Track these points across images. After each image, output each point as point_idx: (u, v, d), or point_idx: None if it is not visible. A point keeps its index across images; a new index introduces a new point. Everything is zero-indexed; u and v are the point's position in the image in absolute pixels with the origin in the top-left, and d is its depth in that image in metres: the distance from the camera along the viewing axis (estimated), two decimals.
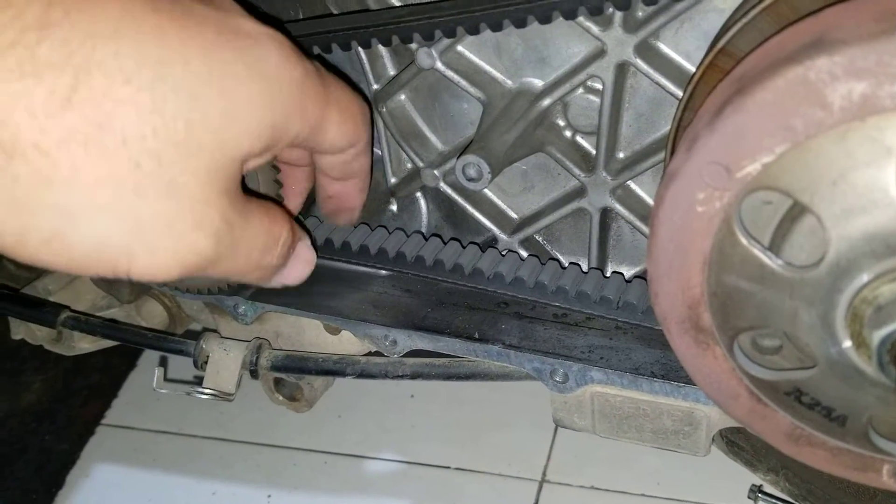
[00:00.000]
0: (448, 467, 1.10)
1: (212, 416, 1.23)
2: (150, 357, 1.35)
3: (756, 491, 0.97)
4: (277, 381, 0.84)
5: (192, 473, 1.17)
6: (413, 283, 0.72)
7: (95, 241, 0.35)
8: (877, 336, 0.39)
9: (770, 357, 0.46)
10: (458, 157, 0.61)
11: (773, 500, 0.95)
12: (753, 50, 0.45)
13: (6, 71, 0.32)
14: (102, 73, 0.34)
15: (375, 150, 0.78)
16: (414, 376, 0.73)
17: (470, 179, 0.61)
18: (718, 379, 0.47)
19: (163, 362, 0.77)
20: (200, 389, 0.70)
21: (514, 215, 0.73)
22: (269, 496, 1.11)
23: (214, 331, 0.79)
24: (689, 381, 0.59)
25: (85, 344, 0.93)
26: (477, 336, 0.67)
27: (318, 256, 0.72)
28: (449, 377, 0.72)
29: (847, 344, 0.41)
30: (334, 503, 1.09)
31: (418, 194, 0.77)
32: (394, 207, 0.79)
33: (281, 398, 0.85)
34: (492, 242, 0.73)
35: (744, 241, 0.43)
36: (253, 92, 0.39)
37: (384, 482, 1.11)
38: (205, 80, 0.36)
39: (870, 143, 0.38)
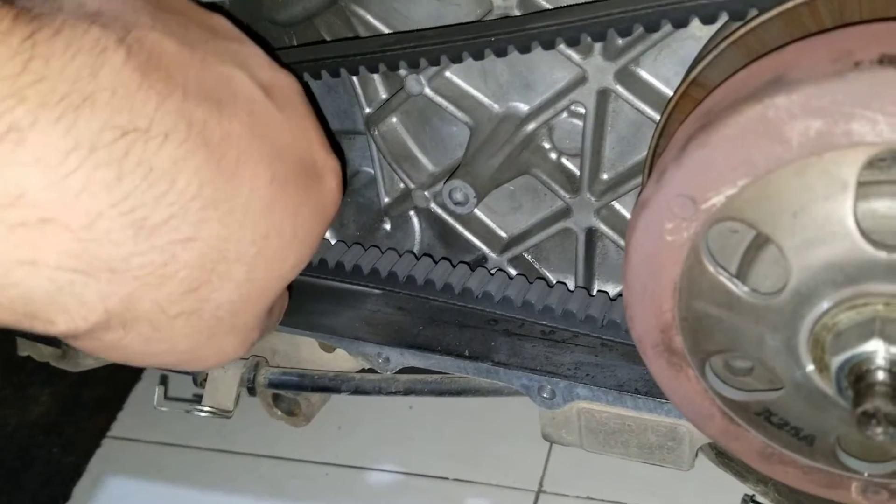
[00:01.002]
0: (446, 478, 1.12)
1: (215, 430, 1.25)
2: (154, 371, 1.38)
3: (749, 500, 0.98)
4: (276, 397, 0.86)
5: (196, 485, 1.19)
6: (405, 302, 0.74)
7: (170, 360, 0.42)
8: (835, 361, 0.40)
9: (742, 378, 0.48)
10: (444, 182, 0.63)
11: None
12: (719, 85, 0.47)
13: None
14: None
15: (368, 170, 0.80)
16: (407, 392, 0.75)
17: (457, 203, 0.63)
18: (692, 399, 0.48)
19: (163, 381, 0.79)
20: (200, 407, 0.72)
21: (503, 234, 0.75)
22: None
23: None
24: None
25: (90, 360, 0.96)
26: (467, 353, 0.68)
27: (314, 276, 0.74)
28: (441, 393, 0.74)
29: (810, 368, 0.43)
30: None
31: (411, 213, 0.79)
32: (387, 226, 0.80)
33: (279, 413, 0.87)
34: (482, 261, 0.75)
35: (711, 268, 0.44)
36: (314, 230, 0.43)
37: (384, 493, 1.13)
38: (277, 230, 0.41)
39: (827, 177, 0.40)
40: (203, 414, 0.72)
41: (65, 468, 1.28)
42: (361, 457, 1.17)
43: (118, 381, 1.37)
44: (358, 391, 0.76)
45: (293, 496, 1.14)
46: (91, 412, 1.35)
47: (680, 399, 0.49)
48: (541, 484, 1.08)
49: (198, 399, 0.73)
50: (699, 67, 0.53)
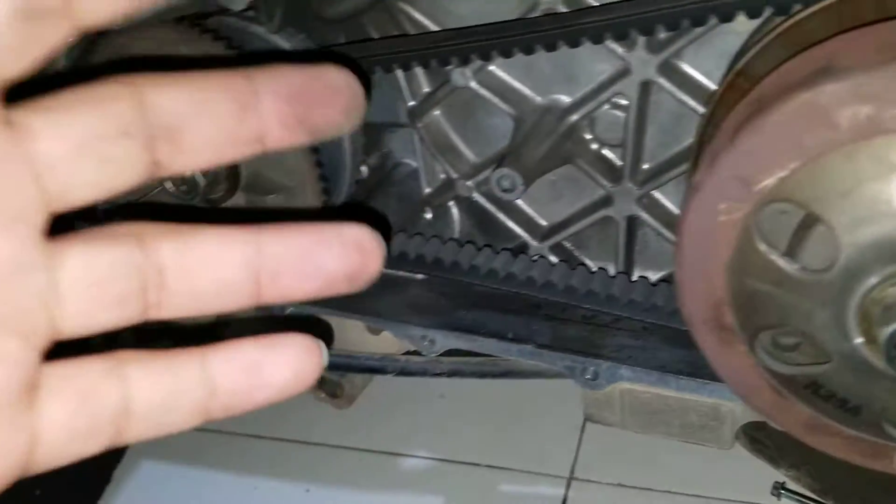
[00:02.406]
0: (478, 465, 1.14)
1: (252, 416, 1.27)
2: None
3: (779, 487, 1.00)
4: (320, 379, 0.89)
5: (233, 470, 1.23)
6: (449, 287, 0.77)
7: None
8: (885, 333, 0.43)
9: (789, 353, 0.50)
10: (493, 170, 0.66)
11: (796, 496, 0.99)
12: (768, 73, 0.49)
13: None
14: None
15: (409, 162, 0.83)
16: (451, 374, 0.78)
17: (505, 190, 0.65)
18: (741, 374, 0.51)
19: None
20: None
21: (543, 223, 0.77)
22: (308, 490, 1.17)
23: None
24: (713, 379, 0.63)
25: None
26: (511, 336, 0.71)
27: None
28: (484, 375, 0.77)
29: (859, 340, 0.45)
30: (370, 499, 1.14)
31: (451, 203, 0.82)
32: (428, 216, 0.83)
33: (323, 395, 0.90)
34: (522, 249, 0.78)
35: (762, 247, 0.47)
36: None
37: (418, 479, 1.15)
38: None
39: (875, 160, 0.42)
40: None
41: (104, 452, 1.31)
42: (394, 443, 1.20)
43: None
44: (403, 372, 0.78)
45: (327, 481, 1.17)
46: None
47: (729, 374, 0.52)
48: (572, 471, 1.11)
49: None
50: (745, 59, 0.56)
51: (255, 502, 1.17)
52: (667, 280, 0.71)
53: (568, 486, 1.09)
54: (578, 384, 0.69)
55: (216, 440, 1.27)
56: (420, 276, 0.78)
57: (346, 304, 0.77)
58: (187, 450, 1.27)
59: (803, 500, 0.97)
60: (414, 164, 0.82)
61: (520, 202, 0.77)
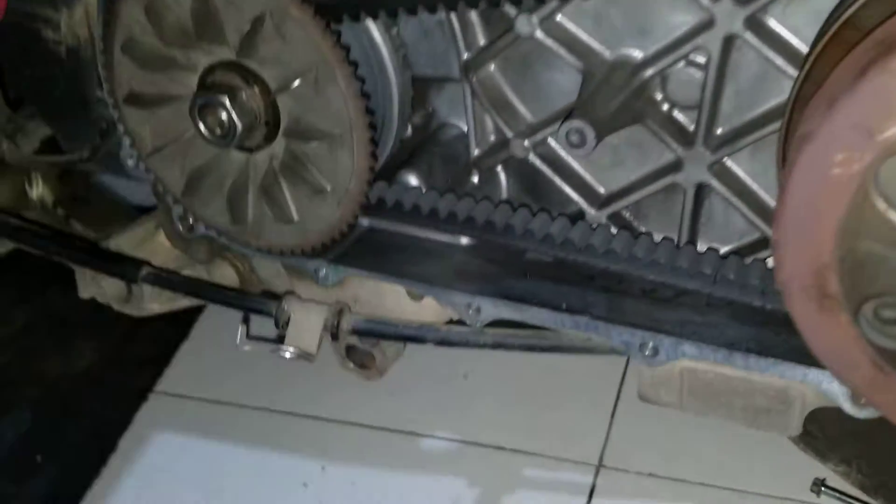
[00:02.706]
0: (503, 448, 1.10)
1: (264, 389, 1.23)
2: (202, 328, 1.36)
3: (819, 484, 0.96)
4: (349, 349, 0.84)
5: (244, 443, 1.18)
6: (497, 254, 0.72)
7: None
8: None
9: (892, 328, 0.46)
10: (561, 123, 0.61)
11: (837, 494, 0.94)
12: (892, 17, 0.44)
13: None
14: None
15: (456, 123, 0.78)
16: (495, 346, 0.73)
17: (573, 146, 0.60)
18: (840, 347, 0.46)
19: (245, 319, 0.77)
20: (284, 348, 0.70)
21: (601, 190, 0.72)
22: (323, 468, 1.12)
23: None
24: (786, 359, 0.59)
25: (154, 305, 0.94)
26: (565, 307, 0.66)
27: (402, 223, 0.73)
28: (530, 349, 0.72)
29: None
30: (389, 478, 1.09)
31: (499, 168, 0.77)
32: (475, 179, 0.78)
33: (352, 366, 0.85)
34: (577, 216, 0.73)
35: (880, 205, 0.42)
36: None
37: (439, 460, 1.11)
38: None
39: None
40: (288, 355, 0.71)
41: (110, 421, 1.27)
42: (414, 423, 1.15)
43: (165, 337, 1.36)
44: (444, 342, 0.74)
45: (345, 458, 1.13)
46: (137, 367, 1.34)
47: (825, 347, 0.47)
48: (601, 458, 1.06)
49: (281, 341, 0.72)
50: (851, 11, 0.51)
51: (268, 477, 1.13)
52: (737, 253, 0.67)
53: (596, 474, 1.05)
54: (636, 361, 0.65)
55: (226, 412, 1.22)
56: (466, 242, 0.74)
57: (388, 266, 0.72)
58: (196, 421, 1.22)
59: (846, 498, 0.93)
60: (461, 124, 0.77)
61: (578, 167, 0.72)
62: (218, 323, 1.36)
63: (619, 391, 1.13)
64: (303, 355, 0.72)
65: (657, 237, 0.68)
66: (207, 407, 1.24)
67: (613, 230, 0.69)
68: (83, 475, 1.20)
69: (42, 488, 1.18)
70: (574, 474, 1.05)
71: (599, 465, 1.06)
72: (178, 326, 1.37)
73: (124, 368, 1.34)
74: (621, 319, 0.64)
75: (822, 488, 0.95)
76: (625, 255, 0.64)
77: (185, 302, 0.97)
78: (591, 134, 0.59)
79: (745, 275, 0.62)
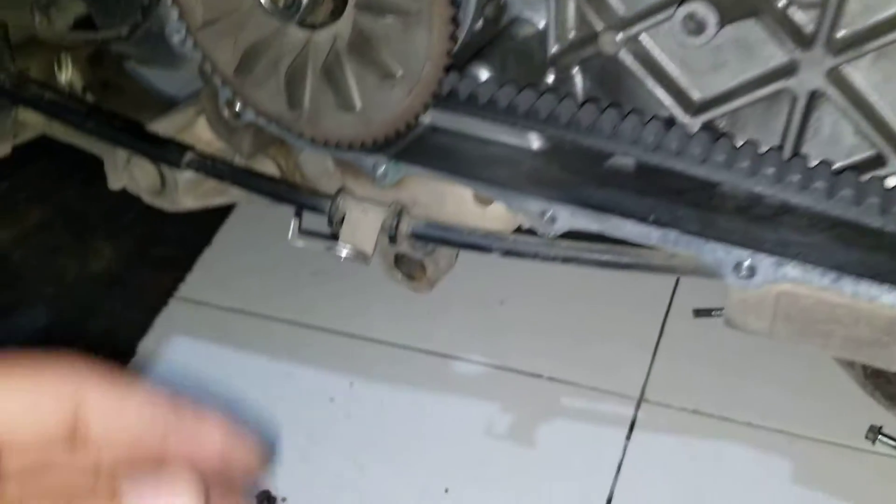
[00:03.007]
0: (540, 376, 1.06)
1: (290, 302, 1.19)
2: (225, 235, 1.31)
3: (876, 431, 0.92)
4: (398, 258, 0.79)
5: (266, 353, 1.14)
6: (573, 161, 0.66)
7: None
8: None
9: None
10: (678, 5, 0.54)
11: (894, 443, 0.91)
12: None
13: None
14: None
15: (531, 15, 0.71)
16: (566, 260, 0.68)
17: (691, 32, 0.54)
18: None
19: (298, 213, 0.71)
20: (340, 245, 0.65)
21: (697, 95, 0.66)
22: (352, 384, 1.08)
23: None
24: None
25: (188, 199, 0.88)
26: (652, 219, 0.61)
27: (472, 118, 0.66)
28: (605, 265, 0.67)
29: None
30: (419, 397, 1.05)
31: (576, 67, 0.70)
32: (549, 79, 0.72)
33: (399, 276, 0.80)
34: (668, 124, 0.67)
35: None
36: None
37: (471, 383, 1.07)
38: None
39: None
40: (343, 254, 0.65)
41: (129, 324, 1.22)
42: (447, 345, 1.11)
43: (187, 242, 1.31)
44: (510, 253, 0.68)
45: (373, 376, 1.09)
46: (157, 271, 1.29)
47: None
48: (643, 392, 1.02)
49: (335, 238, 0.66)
50: None
51: (293, 389, 1.09)
52: (852, 169, 0.61)
53: (637, 408, 1.01)
54: (727, 281, 0.59)
55: (248, 321, 1.18)
56: (539, 146, 0.67)
57: (456, 166, 0.66)
58: (217, 328, 1.18)
59: None
60: (535, 18, 0.70)
61: (672, 68, 0.65)
62: (242, 232, 1.31)
63: (663, 326, 1.09)
64: (359, 255, 0.66)
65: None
66: (231, 315, 1.20)
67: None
68: None
69: None
70: (614, 406, 1.01)
71: (641, 399, 1.02)
72: (201, 232, 1.32)
73: (144, 271, 1.29)
74: (716, 235, 0.59)
75: (879, 436, 0.91)
76: (728, 165, 0.58)
77: (219, 199, 0.91)
78: (712, 18, 0.53)
79: (862, 193, 0.56)
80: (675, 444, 0.97)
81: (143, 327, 1.22)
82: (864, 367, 0.79)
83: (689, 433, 0.98)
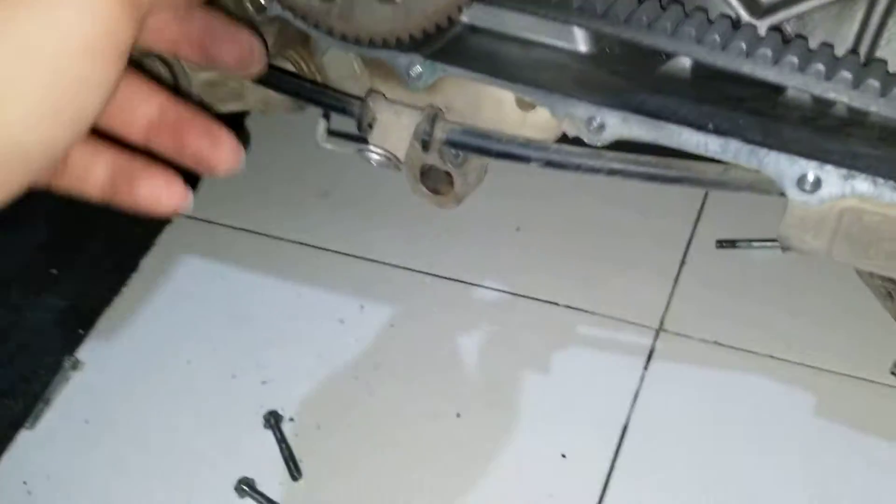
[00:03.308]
0: (556, 304, 1.03)
1: (300, 223, 1.15)
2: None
3: None
4: (424, 172, 0.75)
5: (274, 274, 1.11)
6: (623, 66, 0.62)
7: None
8: None
9: None
10: None
11: None
12: None
13: None
14: None
15: None
16: (611, 172, 0.64)
17: None
18: None
19: (326, 115, 0.67)
20: (372, 148, 0.61)
21: None
22: (362, 307, 1.05)
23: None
24: None
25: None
26: (711, 127, 0.57)
27: (515, 13, 0.62)
28: (653, 178, 0.63)
29: None
30: (431, 322, 1.03)
31: None
32: None
33: (424, 189, 0.76)
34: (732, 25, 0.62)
35: None
36: None
37: (486, 308, 1.04)
38: None
39: None
40: (375, 156, 0.61)
41: (131, 240, 1.18)
42: (461, 271, 1.08)
43: None
44: (551, 163, 0.64)
45: (383, 299, 1.06)
46: None
47: None
48: (662, 322, 1.00)
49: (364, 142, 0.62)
50: None
51: (301, 310, 1.06)
52: None
53: (656, 338, 0.99)
54: (789, 195, 0.56)
55: (255, 241, 1.14)
56: (587, 50, 0.63)
57: (500, 69, 0.62)
58: (222, 247, 1.14)
59: None
60: None
61: None
62: (247, 152, 1.27)
63: (685, 256, 1.06)
64: (391, 159, 0.62)
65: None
66: (238, 235, 1.16)
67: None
68: (101, 292, 1.13)
69: (57, 302, 1.11)
70: (632, 335, 0.99)
71: (660, 329, 1.00)
72: None
73: None
74: (779, 145, 0.55)
75: None
76: (801, 68, 0.54)
77: (233, 105, 0.86)
78: None
79: None
80: (694, 375, 0.95)
81: (146, 244, 1.18)
82: (892, 296, 0.77)
83: (708, 364, 0.96)
